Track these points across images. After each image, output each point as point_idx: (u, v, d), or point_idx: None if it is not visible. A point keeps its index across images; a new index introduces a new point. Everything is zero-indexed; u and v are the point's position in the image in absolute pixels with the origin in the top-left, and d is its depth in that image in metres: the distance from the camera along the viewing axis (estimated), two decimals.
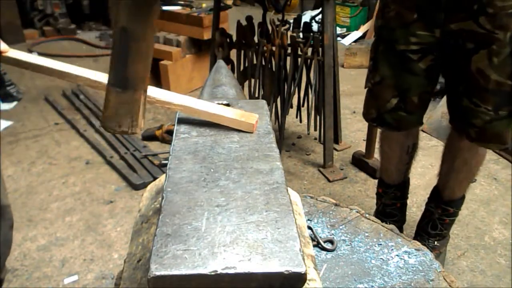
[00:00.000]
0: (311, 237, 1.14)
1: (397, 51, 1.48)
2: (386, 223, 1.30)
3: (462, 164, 1.64)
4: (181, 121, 0.88)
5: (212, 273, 0.55)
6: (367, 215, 1.32)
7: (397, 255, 1.17)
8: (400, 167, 1.82)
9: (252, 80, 2.62)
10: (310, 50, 2.46)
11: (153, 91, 0.83)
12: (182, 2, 3.71)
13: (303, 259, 0.57)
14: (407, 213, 2.18)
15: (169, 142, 2.71)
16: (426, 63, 1.48)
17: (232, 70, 2.63)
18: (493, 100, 1.40)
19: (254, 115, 0.86)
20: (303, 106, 2.67)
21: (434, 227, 1.79)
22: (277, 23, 2.44)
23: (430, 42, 1.44)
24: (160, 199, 0.71)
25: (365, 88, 1.68)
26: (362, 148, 2.64)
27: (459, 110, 1.51)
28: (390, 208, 1.88)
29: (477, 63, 1.37)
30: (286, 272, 0.55)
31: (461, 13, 1.35)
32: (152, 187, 1.07)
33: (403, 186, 1.88)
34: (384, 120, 1.62)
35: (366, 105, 1.70)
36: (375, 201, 1.96)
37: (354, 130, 3.01)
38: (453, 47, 1.42)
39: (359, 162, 2.60)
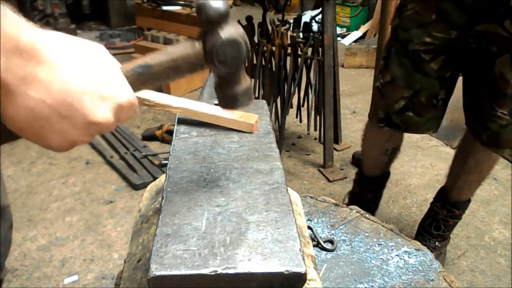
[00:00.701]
0: (311, 237, 1.14)
1: (410, 51, 1.46)
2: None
3: (474, 165, 1.63)
4: (181, 121, 0.88)
5: (212, 273, 0.54)
6: (367, 215, 1.32)
7: (397, 255, 1.16)
8: (377, 164, 1.82)
9: (252, 80, 2.62)
10: (310, 50, 2.46)
11: (152, 95, 0.82)
12: (182, 2, 3.71)
13: (303, 259, 0.57)
14: (406, 213, 2.19)
15: (169, 142, 2.71)
16: (437, 64, 1.45)
17: None
18: (510, 105, 1.38)
19: (254, 116, 0.86)
20: (303, 106, 2.67)
21: (438, 228, 1.78)
22: (277, 23, 2.44)
23: (444, 43, 1.41)
24: (160, 199, 0.71)
25: (374, 86, 1.65)
26: None
27: (476, 113, 1.49)
28: (360, 195, 1.90)
29: (500, 67, 1.35)
30: (286, 272, 0.55)
31: (487, 15, 1.32)
32: (152, 187, 1.07)
33: (379, 180, 1.88)
34: (391, 121, 1.59)
35: (373, 105, 1.66)
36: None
37: (354, 130, 3.01)
38: (474, 50, 1.40)
39: (359, 162, 2.59)
